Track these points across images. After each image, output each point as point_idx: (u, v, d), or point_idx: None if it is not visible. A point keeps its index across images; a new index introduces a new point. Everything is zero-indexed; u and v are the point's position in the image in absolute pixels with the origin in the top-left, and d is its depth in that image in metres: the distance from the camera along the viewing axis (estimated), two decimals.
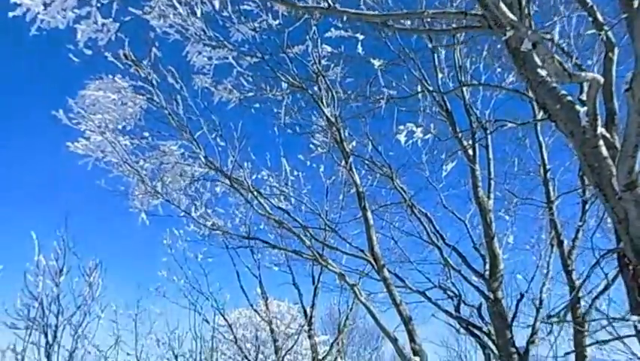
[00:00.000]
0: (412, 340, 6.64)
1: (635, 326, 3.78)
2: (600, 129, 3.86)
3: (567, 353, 7.43)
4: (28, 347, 6.77)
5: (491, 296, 7.69)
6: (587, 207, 8.45)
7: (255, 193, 7.11)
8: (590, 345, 7.46)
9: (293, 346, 11.19)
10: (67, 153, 7.32)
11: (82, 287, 7.42)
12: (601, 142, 3.81)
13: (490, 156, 8.53)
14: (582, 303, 8.02)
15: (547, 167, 8.86)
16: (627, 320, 4.00)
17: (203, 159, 7.41)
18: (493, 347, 7.66)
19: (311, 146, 8.52)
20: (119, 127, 7.57)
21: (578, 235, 8.38)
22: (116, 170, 7.66)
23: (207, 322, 10.47)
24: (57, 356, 6.75)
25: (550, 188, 8.68)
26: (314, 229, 7.76)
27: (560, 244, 8.29)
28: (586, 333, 7.44)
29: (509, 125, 6.23)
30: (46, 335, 6.71)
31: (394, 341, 6.49)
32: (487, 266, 8.12)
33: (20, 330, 6.74)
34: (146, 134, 7.76)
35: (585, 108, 3.84)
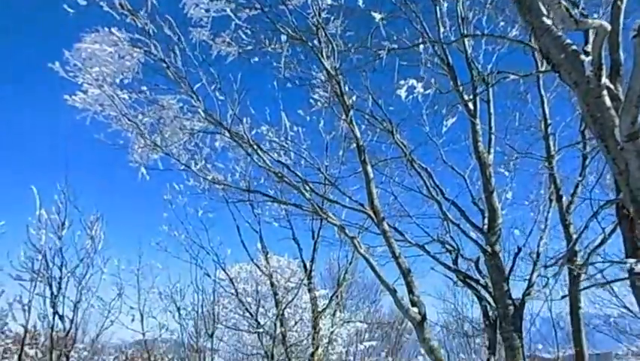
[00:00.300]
0: (410, 291, 6.75)
1: (630, 270, 3.84)
2: (604, 79, 3.82)
3: (563, 297, 7.61)
4: (34, 299, 6.88)
5: (489, 250, 7.79)
6: (587, 162, 8.48)
7: (255, 147, 7.08)
8: (586, 288, 7.59)
9: (293, 299, 11.39)
10: (65, 107, 7.25)
11: (84, 241, 7.48)
12: (605, 92, 3.78)
13: (492, 110, 8.48)
14: (578, 258, 8.16)
15: (549, 122, 8.84)
16: (624, 263, 4.06)
17: (202, 113, 7.34)
18: (490, 299, 7.81)
19: (311, 101, 8.44)
20: (117, 81, 7.47)
21: (577, 189, 8.44)
22: (115, 124, 7.60)
23: (208, 276, 10.65)
24: (62, 307, 6.87)
25: (551, 143, 8.69)
26: (314, 184, 7.77)
27: (559, 198, 8.36)
28: (582, 280, 7.57)
29: (511, 77, 6.16)
30: (50, 287, 6.81)
31: (393, 292, 6.60)
32: (486, 221, 8.19)
33: (25, 282, 6.84)
34: (144, 88, 7.65)
35: (590, 58, 3.79)
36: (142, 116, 7.67)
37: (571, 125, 9.26)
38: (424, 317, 6.60)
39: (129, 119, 7.15)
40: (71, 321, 6.54)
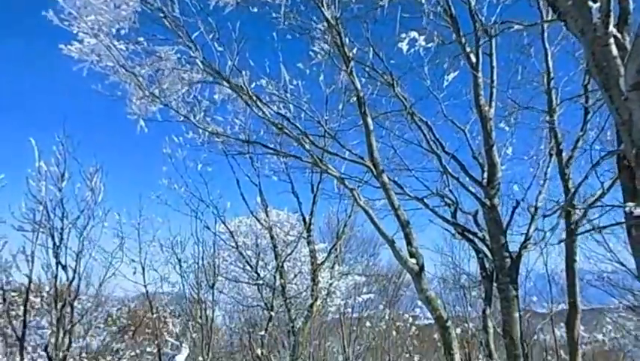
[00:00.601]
0: (409, 243, 6.83)
1: (629, 213, 3.87)
2: (612, 28, 3.75)
3: (560, 242, 7.71)
4: (37, 249, 6.94)
5: (488, 203, 7.85)
6: (588, 117, 8.42)
7: (255, 98, 7.01)
8: (583, 233, 7.67)
9: (292, 252, 11.54)
10: (62, 58, 7.13)
11: (84, 192, 7.49)
12: (611, 41, 3.72)
13: (494, 64, 8.36)
14: (576, 212, 8.21)
15: (552, 75, 8.72)
16: (621, 206, 4.10)
17: (200, 64, 7.22)
18: (487, 252, 7.92)
19: (311, 53, 8.30)
20: (113, 31, 7.31)
21: (578, 144, 8.42)
22: (113, 75, 7.49)
23: (208, 228, 10.74)
24: (65, 258, 6.94)
25: (553, 97, 8.60)
26: (314, 136, 7.73)
27: (559, 152, 8.35)
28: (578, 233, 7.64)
29: (515, 27, 6.03)
30: (52, 238, 6.86)
31: (392, 243, 6.67)
32: (485, 175, 8.22)
33: (28, 232, 6.89)
34: (141, 38, 7.50)
35: (598, 4, 3.71)
36: (139, 68, 7.55)
37: (574, 80, 9.15)
38: (421, 268, 6.70)
39: (126, 70, 7.04)
40: (74, 271, 6.63)
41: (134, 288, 13.31)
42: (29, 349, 8.90)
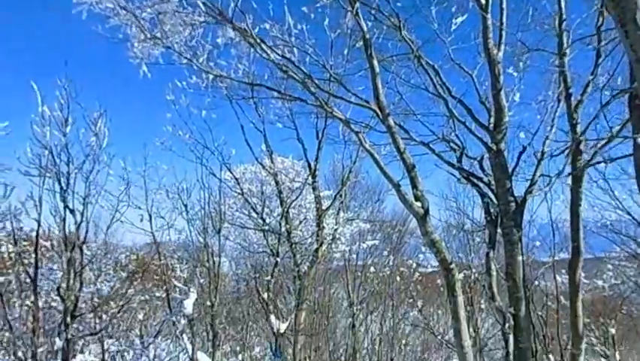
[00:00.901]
0: (414, 186, 6.83)
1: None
2: None
3: (569, 174, 7.72)
4: (45, 194, 6.98)
5: (494, 148, 7.80)
6: (599, 60, 8.24)
7: (259, 41, 6.86)
8: (590, 165, 7.65)
9: (297, 197, 11.60)
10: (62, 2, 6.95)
11: (89, 137, 7.46)
12: None
13: (504, 5, 8.13)
14: (583, 156, 8.16)
15: (563, 17, 8.48)
16: (633, 138, 4.07)
17: (202, 6, 7.04)
18: (492, 197, 7.93)
19: None
20: None
21: (587, 88, 8.28)
22: (113, 18, 7.33)
23: (214, 175, 10.74)
24: (72, 202, 6.99)
25: (564, 39, 8.39)
26: (319, 81, 7.61)
27: (568, 96, 8.22)
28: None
29: None
30: (59, 182, 6.89)
31: (397, 186, 6.67)
32: (492, 119, 8.13)
33: (34, 177, 6.91)
34: None
35: None
36: (140, 10, 7.37)
37: (586, 23, 8.92)
38: (426, 212, 6.73)
39: (127, 11, 6.87)
40: (82, 215, 6.69)
41: (141, 237, 13.50)
42: (42, 294, 9.10)
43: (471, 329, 15.25)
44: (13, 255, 10.23)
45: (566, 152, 8.30)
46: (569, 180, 8.39)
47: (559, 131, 8.92)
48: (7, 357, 7.70)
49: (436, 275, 20.28)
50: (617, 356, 15.64)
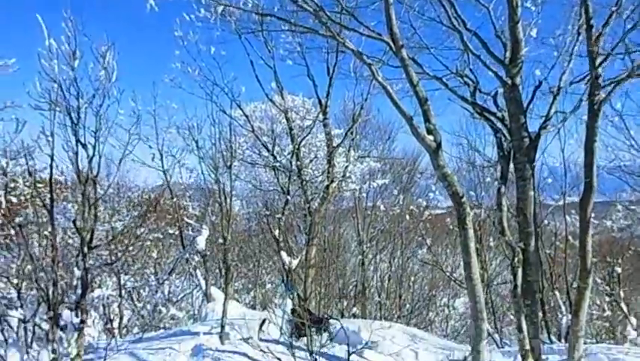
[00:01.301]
0: (427, 120, 6.74)
1: None
2: None
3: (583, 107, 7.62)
4: (56, 128, 6.97)
5: (509, 82, 7.62)
6: None
7: None
8: (605, 100, 7.49)
9: (308, 134, 11.54)
10: None
11: (97, 72, 7.37)
12: None
13: None
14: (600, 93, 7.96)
15: None
16: None
17: None
18: (506, 132, 7.83)
19: None
20: None
21: (610, 19, 7.96)
22: None
23: (224, 112, 10.67)
24: (84, 136, 7.00)
25: None
26: (331, 13, 7.38)
27: (589, 28, 7.91)
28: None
29: None
30: (70, 116, 6.87)
31: (410, 119, 6.59)
32: (508, 53, 7.91)
33: (45, 111, 6.89)
34: None
35: None
36: None
37: None
38: (439, 145, 6.67)
39: None
40: (94, 148, 6.71)
41: (153, 178, 13.66)
42: (59, 230, 9.29)
43: (479, 266, 15.47)
44: (28, 195, 10.41)
45: (583, 87, 8.12)
46: (585, 116, 8.23)
47: (576, 68, 8.72)
48: (30, 287, 7.97)
49: (445, 216, 20.46)
50: (622, 294, 15.88)
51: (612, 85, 7.53)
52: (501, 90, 8.15)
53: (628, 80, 7.61)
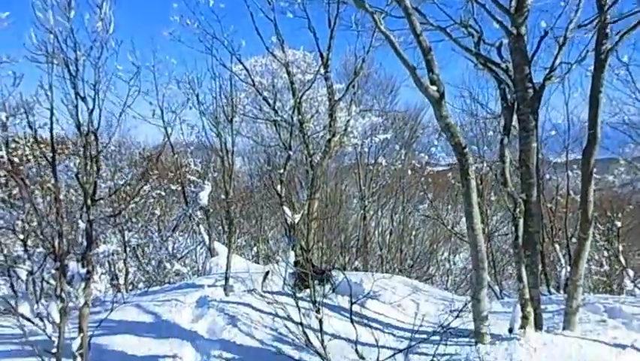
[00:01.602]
0: (430, 70, 6.63)
1: None
2: None
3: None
4: (54, 82, 6.87)
5: (514, 32, 7.48)
6: None
7: None
8: (612, 49, 7.38)
9: (310, 87, 11.40)
10: None
11: (94, 23, 7.20)
12: None
13: None
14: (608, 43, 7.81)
15: None
16: None
17: None
18: (510, 83, 7.73)
19: None
20: None
21: None
22: None
23: (224, 66, 10.50)
24: (83, 89, 6.91)
25: None
26: None
27: None
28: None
29: None
30: (68, 69, 6.76)
31: (413, 69, 6.48)
32: (514, 2, 7.72)
33: (42, 64, 6.78)
34: None
35: None
36: None
37: None
38: (442, 95, 6.59)
39: None
40: (93, 100, 6.64)
41: (153, 137, 13.62)
42: (62, 186, 9.35)
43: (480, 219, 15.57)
44: (30, 156, 10.40)
45: (590, 36, 7.97)
46: (591, 67, 8.11)
47: (583, 17, 8.52)
48: (36, 244, 8.06)
49: (446, 173, 20.49)
50: (620, 248, 16.06)
51: (620, 34, 7.39)
52: (505, 41, 8.02)
53: (636, 28, 7.47)
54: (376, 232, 21.00)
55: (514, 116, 7.74)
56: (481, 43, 8.20)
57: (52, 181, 6.38)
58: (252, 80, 11.60)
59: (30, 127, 6.58)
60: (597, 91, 7.78)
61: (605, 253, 18.33)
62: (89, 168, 6.65)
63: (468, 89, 15.28)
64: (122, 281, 14.81)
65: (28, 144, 11.34)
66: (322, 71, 11.09)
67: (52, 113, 6.81)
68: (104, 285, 14.42)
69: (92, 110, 6.73)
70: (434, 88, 6.53)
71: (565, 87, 13.64)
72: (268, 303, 7.44)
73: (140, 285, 15.07)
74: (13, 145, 9.81)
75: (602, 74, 7.70)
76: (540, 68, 8.53)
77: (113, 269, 14.92)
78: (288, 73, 11.35)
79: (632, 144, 14.69)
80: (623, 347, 6.81)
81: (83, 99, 6.84)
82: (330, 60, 11.13)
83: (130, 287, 14.77)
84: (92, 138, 6.81)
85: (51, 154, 6.85)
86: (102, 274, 14.48)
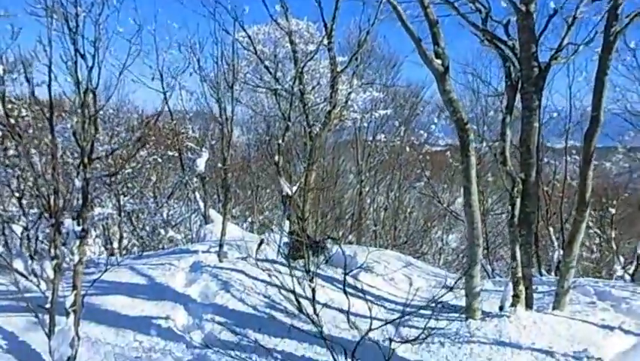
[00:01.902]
0: (435, 43, 6.55)
1: None
2: None
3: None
4: (53, 37, 6.73)
5: (523, 9, 7.38)
6: None
7: None
8: (622, 31, 7.29)
9: (311, 59, 11.25)
10: None
11: None
12: None
13: None
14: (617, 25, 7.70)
15: None
16: None
17: None
18: (515, 61, 7.65)
19: None
20: None
21: None
22: None
23: (227, 32, 10.30)
24: (83, 46, 6.79)
25: None
26: None
27: None
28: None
29: None
30: (68, 24, 6.62)
31: (418, 42, 6.40)
32: None
33: (41, 17, 6.64)
34: None
35: None
36: None
37: None
38: (446, 69, 6.52)
39: None
40: (93, 57, 6.53)
41: (152, 103, 13.47)
42: (59, 147, 9.26)
43: None
44: (27, 117, 10.26)
45: (599, 18, 7.87)
46: (598, 49, 8.02)
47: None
48: (31, 203, 8.01)
49: (444, 152, 20.47)
50: (613, 235, 16.19)
51: (630, 17, 7.29)
52: (513, 19, 7.92)
53: None
54: (371, 208, 21.05)
55: (518, 95, 7.70)
56: (488, 19, 8.08)
57: (50, 137, 6.32)
58: (254, 48, 11.44)
59: (27, 81, 6.48)
60: (603, 73, 7.70)
61: (597, 240, 18.48)
62: (86, 126, 6.57)
63: (471, 66, 15.15)
64: (115, 245, 14.84)
65: (25, 105, 11.20)
66: (325, 41, 10.94)
67: (50, 69, 6.70)
68: (98, 248, 14.46)
69: (92, 68, 6.62)
70: (439, 61, 6.46)
71: (570, 70, 13.57)
72: (263, 270, 7.46)
73: (134, 250, 15.12)
74: (9, 106, 9.68)
75: (610, 57, 7.62)
76: (546, 49, 8.45)
77: (107, 233, 14.93)
78: (291, 42, 11.20)
79: (632, 132, 14.67)
80: (611, 328, 6.90)
81: (83, 56, 6.73)
82: (334, 31, 10.98)
83: (124, 252, 14.81)
84: (91, 96, 6.71)
85: (49, 114, 6.78)
86: (96, 237, 14.51)
